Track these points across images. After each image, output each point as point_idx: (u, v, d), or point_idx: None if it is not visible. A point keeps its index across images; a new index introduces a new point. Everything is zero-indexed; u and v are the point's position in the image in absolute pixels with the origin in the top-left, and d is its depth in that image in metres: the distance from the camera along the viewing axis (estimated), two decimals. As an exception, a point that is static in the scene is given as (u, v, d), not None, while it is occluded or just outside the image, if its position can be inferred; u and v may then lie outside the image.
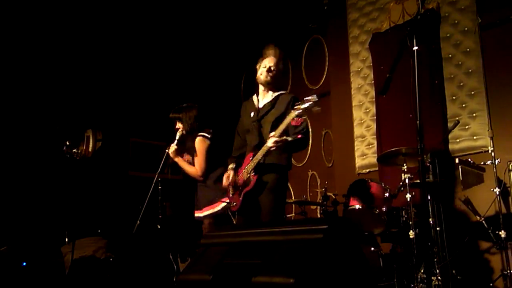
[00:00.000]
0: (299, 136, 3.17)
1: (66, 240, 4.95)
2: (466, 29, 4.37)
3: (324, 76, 5.80)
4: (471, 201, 3.74)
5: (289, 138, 3.13)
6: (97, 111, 6.10)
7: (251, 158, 3.30)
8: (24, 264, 4.67)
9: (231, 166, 3.46)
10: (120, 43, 6.23)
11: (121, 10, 5.98)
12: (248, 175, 3.24)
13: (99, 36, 6.08)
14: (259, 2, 6.28)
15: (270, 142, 3.06)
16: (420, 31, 2.50)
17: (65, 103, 5.82)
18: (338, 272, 1.88)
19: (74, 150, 4.87)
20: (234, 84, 7.08)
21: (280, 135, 3.06)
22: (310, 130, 3.36)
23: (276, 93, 3.39)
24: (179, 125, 4.00)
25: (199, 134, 3.96)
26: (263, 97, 3.43)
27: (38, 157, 5.50)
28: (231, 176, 3.38)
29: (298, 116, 3.01)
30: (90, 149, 6.00)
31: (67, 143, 4.83)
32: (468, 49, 4.34)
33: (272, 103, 3.34)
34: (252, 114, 3.44)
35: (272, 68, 3.32)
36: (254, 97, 3.52)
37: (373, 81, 5.15)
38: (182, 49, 6.75)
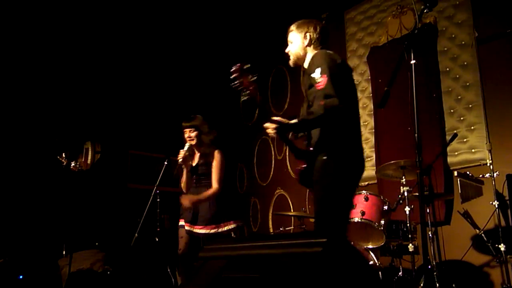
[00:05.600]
0: (321, 102, 2.48)
1: (64, 253, 4.92)
2: (463, 43, 4.41)
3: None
4: (470, 214, 3.74)
5: (294, 121, 2.60)
6: (96, 123, 6.11)
7: None
8: (21, 277, 4.63)
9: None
10: (120, 55, 6.27)
11: (120, 21, 6.02)
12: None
13: (99, 49, 6.12)
14: (258, 14, 6.33)
15: (268, 129, 2.61)
16: (418, 45, 2.52)
17: (64, 115, 5.83)
18: (337, 286, 1.87)
19: (73, 162, 4.86)
20: (233, 96, 7.10)
21: (272, 119, 2.60)
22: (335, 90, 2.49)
23: (308, 60, 2.79)
24: (192, 134, 3.94)
25: (217, 148, 3.98)
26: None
27: (36, 169, 5.49)
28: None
29: None
30: (89, 161, 6.00)
31: (64, 155, 4.82)
32: (465, 63, 4.37)
33: (305, 74, 2.79)
34: None
35: (288, 52, 2.87)
36: None
37: (371, 94, 5.18)
38: (181, 62, 6.79)
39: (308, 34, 2.77)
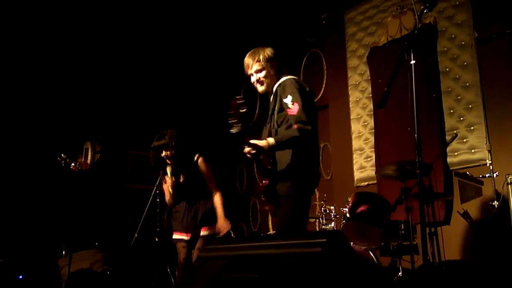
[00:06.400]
0: (295, 126, 2.76)
1: (63, 253, 4.92)
2: (463, 43, 4.41)
3: (322, 89, 5.82)
4: (469, 215, 3.74)
5: (270, 140, 2.78)
6: (96, 124, 6.11)
7: None
8: (21, 277, 4.63)
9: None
10: (120, 56, 6.27)
11: (120, 22, 6.02)
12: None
13: (98, 49, 6.12)
14: (258, 16, 6.33)
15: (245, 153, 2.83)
16: (418, 45, 2.52)
17: (64, 115, 5.83)
18: (337, 286, 1.87)
19: (73, 163, 4.86)
20: (232, 96, 7.10)
21: (246, 142, 2.78)
22: (307, 112, 2.79)
23: (277, 84, 3.02)
24: (167, 153, 3.79)
25: (198, 155, 3.91)
26: (271, 93, 3.11)
27: (36, 169, 5.49)
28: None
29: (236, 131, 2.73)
30: (88, 161, 6.00)
31: (63, 155, 4.82)
32: (465, 63, 4.37)
33: (274, 96, 3.01)
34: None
35: (260, 79, 3.03)
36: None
37: (371, 95, 5.18)
38: (181, 62, 6.79)
39: (274, 62, 3.00)
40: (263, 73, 3.00)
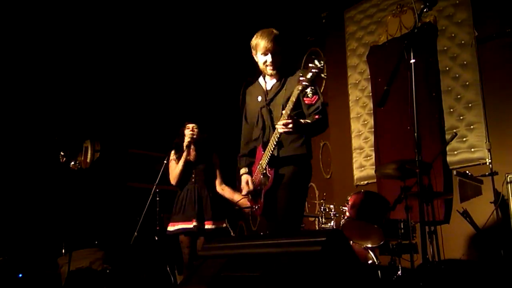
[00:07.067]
0: (316, 116, 2.81)
1: (63, 251, 4.93)
2: (463, 42, 4.41)
3: (322, 88, 5.82)
4: (469, 213, 3.74)
5: (302, 121, 2.79)
6: (96, 122, 6.11)
7: (262, 151, 2.92)
8: (20, 275, 4.64)
9: (243, 170, 3.10)
10: (119, 54, 6.26)
11: (120, 21, 6.01)
12: (264, 171, 2.87)
13: (98, 48, 6.11)
14: (258, 14, 6.33)
15: (279, 126, 2.69)
16: (417, 44, 2.52)
17: (63, 114, 5.83)
18: (336, 285, 1.87)
19: (72, 161, 4.87)
20: (232, 95, 7.10)
21: (289, 116, 2.68)
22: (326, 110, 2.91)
23: (285, 73, 3.00)
24: (195, 130, 4.11)
25: (213, 150, 4.23)
26: (271, 78, 3.04)
27: (36, 167, 5.49)
28: (249, 181, 3.01)
29: (305, 87, 2.68)
30: (88, 160, 6.00)
31: (64, 154, 4.84)
32: (465, 62, 4.38)
33: (282, 83, 2.96)
34: (259, 98, 3.04)
35: (270, 61, 2.94)
36: (261, 79, 3.11)
37: (371, 93, 5.18)
38: (180, 61, 6.79)
39: (285, 49, 2.96)
40: (280, 55, 2.95)
